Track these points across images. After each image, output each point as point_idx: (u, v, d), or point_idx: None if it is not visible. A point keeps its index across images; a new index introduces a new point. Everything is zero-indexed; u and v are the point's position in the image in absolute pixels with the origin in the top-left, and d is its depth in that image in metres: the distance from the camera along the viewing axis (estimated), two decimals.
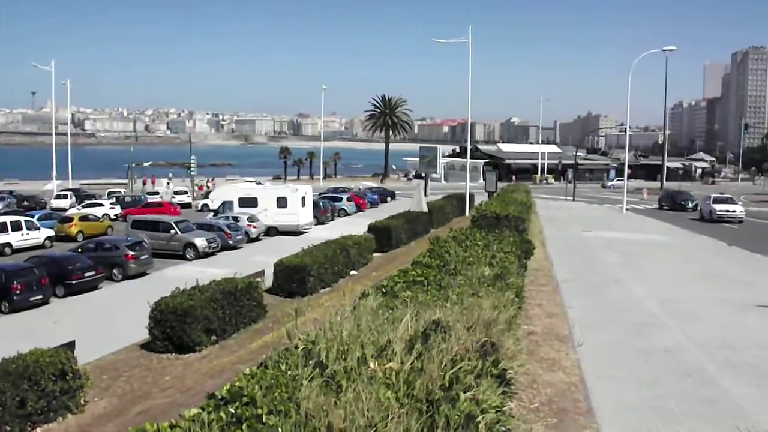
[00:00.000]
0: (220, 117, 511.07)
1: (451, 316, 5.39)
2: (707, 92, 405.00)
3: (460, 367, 4.38)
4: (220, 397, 4.13)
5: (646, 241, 31.47)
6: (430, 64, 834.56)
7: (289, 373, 4.39)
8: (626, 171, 64.39)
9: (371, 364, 4.43)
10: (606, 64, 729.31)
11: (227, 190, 51.00)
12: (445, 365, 4.37)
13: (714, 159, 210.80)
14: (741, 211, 48.83)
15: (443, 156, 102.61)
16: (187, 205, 63.05)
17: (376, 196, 68.76)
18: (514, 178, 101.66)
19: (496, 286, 7.59)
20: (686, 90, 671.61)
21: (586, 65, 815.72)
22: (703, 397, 8.75)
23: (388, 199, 71.72)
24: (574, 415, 7.91)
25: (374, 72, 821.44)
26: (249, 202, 45.07)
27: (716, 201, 50.30)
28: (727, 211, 48.34)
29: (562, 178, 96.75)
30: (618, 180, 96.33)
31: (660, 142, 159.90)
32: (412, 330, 5.03)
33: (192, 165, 79.93)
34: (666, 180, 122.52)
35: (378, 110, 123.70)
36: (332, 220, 52.38)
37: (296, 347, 4.84)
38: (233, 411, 3.87)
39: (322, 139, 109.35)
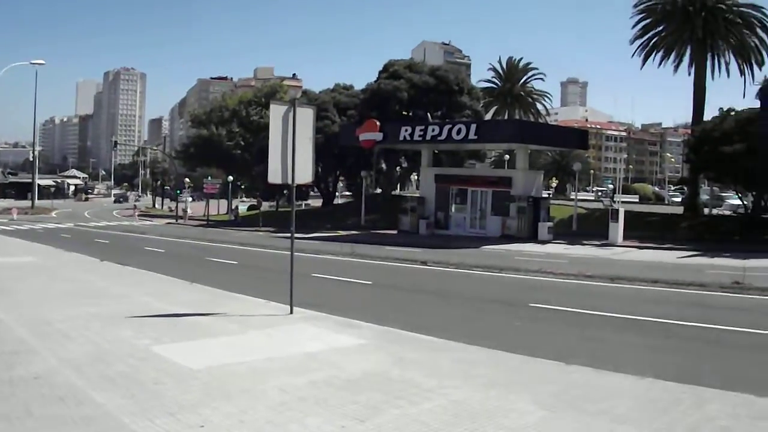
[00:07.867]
0: None
1: None
2: (80, 109, 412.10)
3: None
4: None
5: (14, 264, 30.16)
6: None
7: None
8: None
9: None
10: None
11: None
12: None
13: (87, 176, 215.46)
14: None
15: None
16: None
17: None
18: None
19: None
20: (60, 106, 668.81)
21: None
22: (79, 417, 8.46)
23: None
24: None
25: None
26: None
27: None
28: None
29: None
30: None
31: (31, 159, 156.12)
32: None
33: None
34: (38, 198, 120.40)
35: None
36: None
37: None
38: None
39: None
